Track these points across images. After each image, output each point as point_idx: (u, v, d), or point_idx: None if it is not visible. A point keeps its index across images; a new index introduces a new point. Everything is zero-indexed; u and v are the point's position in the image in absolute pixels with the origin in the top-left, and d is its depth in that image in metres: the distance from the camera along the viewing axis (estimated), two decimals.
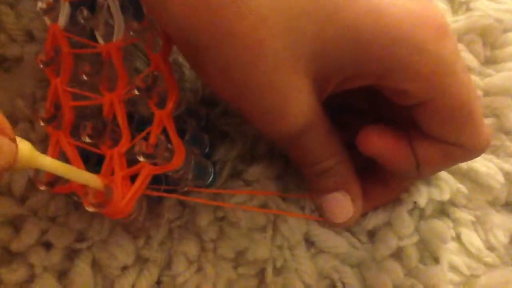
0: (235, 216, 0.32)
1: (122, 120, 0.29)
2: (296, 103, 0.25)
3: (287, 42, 0.24)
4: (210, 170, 0.32)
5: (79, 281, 0.31)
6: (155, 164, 0.27)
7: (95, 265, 0.32)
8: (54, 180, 0.27)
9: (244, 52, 0.24)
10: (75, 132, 0.29)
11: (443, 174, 0.34)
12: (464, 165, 0.34)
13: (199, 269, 0.32)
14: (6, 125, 0.20)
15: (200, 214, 0.32)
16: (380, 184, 0.32)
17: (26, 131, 0.34)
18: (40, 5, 0.31)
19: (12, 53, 0.36)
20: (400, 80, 0.24)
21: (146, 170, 0.27)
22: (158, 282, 0.32)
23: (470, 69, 0.37)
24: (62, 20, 0.31)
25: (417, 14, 0.24)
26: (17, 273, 0.31)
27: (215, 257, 0.32)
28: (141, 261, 0.32)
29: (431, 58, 0.24)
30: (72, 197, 0.31)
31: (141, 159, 0.26)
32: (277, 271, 0.32)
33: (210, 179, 0.32)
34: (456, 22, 0.38)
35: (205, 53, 0.25)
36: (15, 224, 0.32)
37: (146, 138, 0.27)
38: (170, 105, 0.28)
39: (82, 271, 0.31)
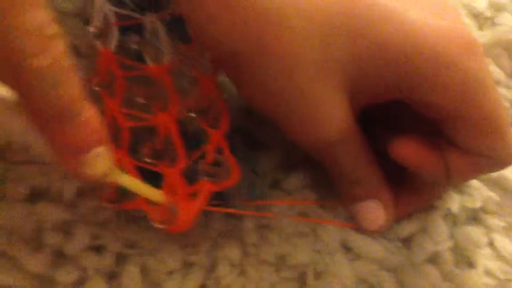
0: (278, 223, 0.33)
1: (177, 139, 0.30)
2: (330, 116, 0.27)
3: (322, 56, 0.25)
4: (257, 183, 0.33)
5: (128, 284, 0.32)
6: (213, 181, 0.28)
7: (143, 269, 0.33)
8: (119, 198, 0.28)
9: (281, 66, 0.25)
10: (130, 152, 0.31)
11: (474, 182, 0.35)
12: (494, 173, 0.35)
13: (242, 272, 0.33)
14: (106, 135, 0.21)
15: (246, 221, 0.33)
16: (411, 191, 0.33)
17: None
18: (92, 29, 0.32)
19: None
20: (430, 95, 0.25)
21: (206, 187, 0.28)
22: (203, 286, 0.33)
23: (496, 82, 0.39)
24: (112, 43, 0.33)
25: (448, 32, 0.25)
26: (70, 276, 0.32)
27: (258, 261, 0.33)
28: (186, 265, 0.33)
29: (461, 73, 0.25)
30: (132, 213, 0.32)
31: (204, 177, 0.27)
32: (318, 275, 0.33)
33: (257, 192, 0.33)
34: (482, 37, 0.40)
35: (244, 67, 0.27)
36: (66, 230, 0.33)
37: (201, 157, 0.29)
38: (224, 125, 0.30)
39: (132, 274, 0.32)
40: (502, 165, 0.28)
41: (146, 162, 0.29)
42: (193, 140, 0.32)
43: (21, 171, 0.34)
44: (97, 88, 0.31)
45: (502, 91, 0.38)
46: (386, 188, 0.31)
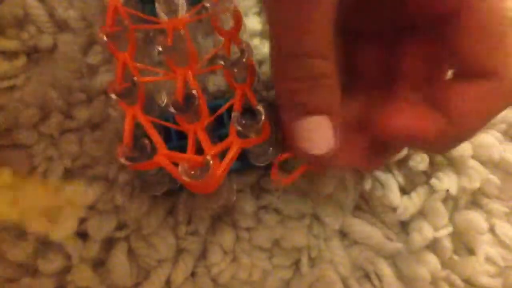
0: (278, 203, 0.32)
1: (199, 94, 0.28)
2: None
3: None
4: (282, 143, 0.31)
5: (116, 271, 0.31)
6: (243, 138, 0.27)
7: (131, 255, 0.32)
8: (137, 157, 0.26)
9: None
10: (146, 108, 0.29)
11: (472, 162, 0.34)
12: (495, 155, 0.34)
13: (234, 259, 0.32)
14: None
15: (244, 201, 0.32)
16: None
17: (60, 122, 0.34)
18: None
19: (44, 44, 0.36)
20: None
21: (236, 144, 0.26)
22: (192, 273, 0.32)
23: None
24: None
25: None
26: (54, 264, 0.31)
27: (251, 247, 0.32)
28: (176, 252, 0.32)
29: None
30: (144, 176, 0.31)
31: (238, 128, 0.26)
32: (312, 262, 0.32)
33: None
34: None
35: None
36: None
37: (222, 116, 0.28)
38: (251, 78, 0.28)
39: (119, 261, 0.31)
40: (506, 88, 0.24)
41: (171, 113, 0.27)
42: (213, 99, 0.31)
43: (4, 155, 0.33)
44: (105, 38, 0.28)
45: None
46: (338, 107, 0.25)
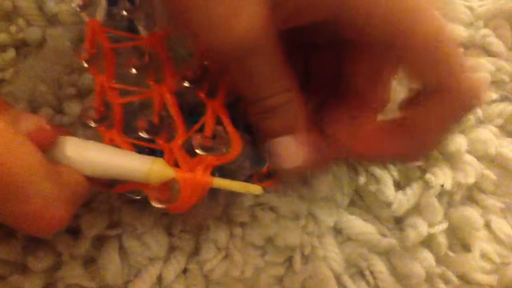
0: (275, 202, 0.32)
1: (175, 111, 0.28)
2: (247, 13, 0.23)
3: None
4: (265, 155, 0.30)
5: (107, 268, 0.30)
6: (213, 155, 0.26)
7: (122, 253, 0.31)
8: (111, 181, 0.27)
9: None
10: (125, 129, 0.29)
11: (468, 157, 0.34)
12: (492, 150, 0.34)
13: (227, 256, 0.32)
14: None
15: (244, 195, 0.32)
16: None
17: (49, 117, 0.33)
18: (77, 1, 0.30)
19: (32, 38, 0.35)
20: (357, 18, 0.23)
21: (205, 163, 0.26)
22: (184, 270, 0.32)
23: (496, 55, 0.37)
24: (100, 15, 0.30)
25: None
26: (44, 261, 0.30)
27: (243, 244, 0.32)
28: (169, 248, 0.32)
29: None
30: (128, 195, 0.30)
31: (199, 152, 0.25)
32: (305, 259, 0.32)
33: (265, 165, 0.30)
34: (482, 6, 0.38)
35: None
36: None
37: (200, 129, 0.27)
38: (222, 94, 0.27)
39: (111, 258, 0.31)
40: (458, 102, 0.25)
41: (142, 138, 0.27)
42: (193, 113, 0.30)
43: None
44: (86, 65, 0.29)
45: (503, 63, 0.36)
46: (303, 125, 0.28)
